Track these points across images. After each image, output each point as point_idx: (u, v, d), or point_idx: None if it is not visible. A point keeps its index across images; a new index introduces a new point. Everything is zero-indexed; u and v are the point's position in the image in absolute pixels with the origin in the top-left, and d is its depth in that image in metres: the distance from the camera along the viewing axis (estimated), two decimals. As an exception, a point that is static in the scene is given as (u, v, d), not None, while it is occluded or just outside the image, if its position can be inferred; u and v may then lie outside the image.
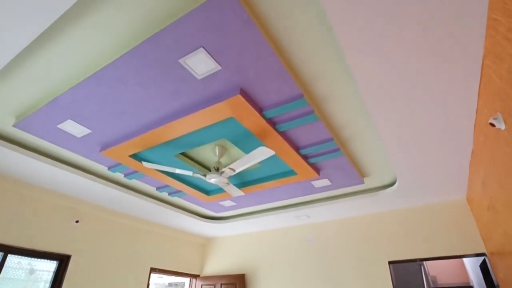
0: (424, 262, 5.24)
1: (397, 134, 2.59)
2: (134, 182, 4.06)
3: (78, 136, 2.88)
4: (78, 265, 4.18)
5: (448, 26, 1.62)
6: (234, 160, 3.46)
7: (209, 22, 1.73)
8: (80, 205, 4.38)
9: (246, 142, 2.94)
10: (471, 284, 5.68)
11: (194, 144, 2.98)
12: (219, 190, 4.16)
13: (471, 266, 5.38)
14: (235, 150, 3.28)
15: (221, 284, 5.66)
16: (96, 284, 4.33)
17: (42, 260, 3.90)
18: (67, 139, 2.94)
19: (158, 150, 3.12)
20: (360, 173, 3.64)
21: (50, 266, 3.97)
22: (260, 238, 5.87)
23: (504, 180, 2.21)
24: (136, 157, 3.24)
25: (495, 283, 3.35)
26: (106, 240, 4.68)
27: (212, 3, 1.61)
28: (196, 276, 6.20)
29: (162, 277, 5.47)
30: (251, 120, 2.50)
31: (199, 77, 2.13)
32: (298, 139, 2.92)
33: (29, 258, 3.79)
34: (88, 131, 2.80)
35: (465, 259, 5.84)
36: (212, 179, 3.03)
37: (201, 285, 5.91)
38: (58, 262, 4.03)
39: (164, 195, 4.50)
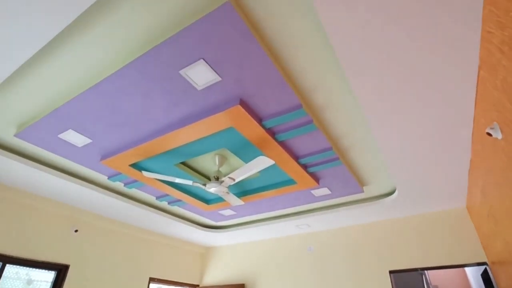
0: (425, 271, 5.19)
1: (396, 144, 2.60)
2: (133, 191, 4.06)
3: (79, 145, 2.90)
4: (77, 275, 4.15)
5: (444, 38, 1.65)
6: (234, 170, 3.47)
7: (209, 35, 1.76)
8: (79, 214, 4.37)
9: (246, 152, 2.96)
10: (473, 294, 5.61)
11: (194, 153, 2.99)
12: (219, 199, 4.16)
13: (473, 275, 5.33)
14: (235, 160, 3.30)
15: (220, 294, 5.60)
16: (95, 295, 4.29)
17: (40, 270, 3.87)
18: (67, 149, 2.96)
19: (158, 160, 3.14)
20: (359, 182, 3.65)
21: (48, 276, 3.94)
22: (260, 247, 5.84)
23: (502, 189, 2.22)
24: (136, 166, 3.25)
25: (497, 293, 3.32)
26: (105, 250, 4.65)
27: (212, 17, 1.65)
28: (195, 286, 6.14)
29: (161, 287, 5.43)
30: (251, 130, 2.52)
31: (199, 88, 2.16)
32: (297, 148, 2.94)
33: (27, 268, 3.76)
34: (89, 140, 2.82)
35: (466, 268, 5.80)
36: (212, 188, 3.03)
37: (201, 296, 5.85)
38: (56, 272, 3.99)
39: (164, 204, 4.49)
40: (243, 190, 3.91)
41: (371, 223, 4.78)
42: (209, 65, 1.96)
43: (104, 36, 1.87)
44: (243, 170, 2.80)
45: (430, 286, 5.80)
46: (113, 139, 2.80)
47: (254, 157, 3.03)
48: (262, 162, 2.66)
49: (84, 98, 2.28)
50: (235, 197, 3.54)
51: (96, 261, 4.47)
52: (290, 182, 3.59)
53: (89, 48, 1.96)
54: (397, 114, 2.25)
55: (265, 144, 2.74)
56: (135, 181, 3.61)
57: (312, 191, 3.83)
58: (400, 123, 2.35)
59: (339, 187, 3.71)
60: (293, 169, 3.18)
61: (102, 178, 3.67)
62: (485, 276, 3.78)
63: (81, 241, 4.36)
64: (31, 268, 3.79)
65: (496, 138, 1.96)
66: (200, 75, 2.04)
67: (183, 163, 3.38)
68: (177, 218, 4.87)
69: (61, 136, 2.74)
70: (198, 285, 6.19)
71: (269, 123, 2.52)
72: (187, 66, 1.98)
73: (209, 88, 2.17)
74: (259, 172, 3.45)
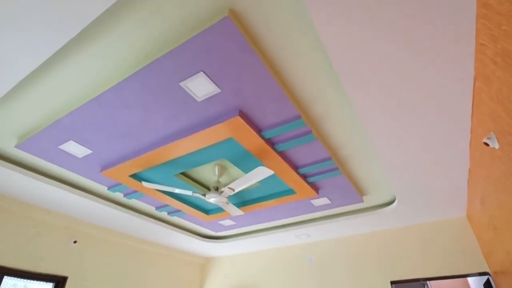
0: (427, 282, 5.14)
1: (395, 153, 2.62)
2: (133, 202, 4.05)
3: (79, 156, 2.91)
4: (75, 287, 4.10)
5: (440, 51, 1.69)
6: (234, 180, 3.48)
7: (209, 48, 1.80)
8: (78, 225, 4.35)
9: (246, 162, 2.97)
10: (477, 305, 5.54)
11: (194, 164, 3.00)
12: (219, 209, 4.15)
13: (476, 285, 5.27)
14: (234, 170, 3.30)
15: (220, 306, 5.52)
16: (93, 307, 4.24)
17: (38, 282, 3.83)
18: (68, 160, 2.97)
19: (158, 170, 3.14)
20: (359, 192, 3.65)
21: (47, 288, 3.90)
22: (260, 257, 5.79)
23: (502, 198, 2.23)
24: (136, 177, 3.25)
25: (500, 304, 3.28)
26: (103, 261, 4.61)
27: (211, 31, 1.69)
28: (195, 298, 6.06)
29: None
30: (250, 140, 2.54)
31: (199, 99, 2.19)
32: (296, 158, 2.95)
33: (25, 280, 3.72)
34: (89, 151, 2.83)
35: (469, 278, 5.73)
36: (212, 199, 3.03)
37: (200, 308, 5.76)
38: (54, 284, 3.95)
39: (164, 214, 4.48)
40: (242, 200, 3.91)
41: (372, 232, 4.76)
42: (209, 77, 2.00)
43: (107, 49, 1.91)
44: (242, 180, 2.81)
45: (433, 297, 5.72)
46: (114, 150, 2.82)
47: (254, 167, 3.04)
48: (261, 172, 2.67)
49: (85, 109, 2.31)
50: (234, 207, 3.54)
51: (95, 272, 4.43)
52: (289, 192, 3.60)
53: (92, 60, 1.99)
54: (396, 125, 2.27)
55: (265, 154, 2.76)
56: (135, 191, 3.61)
57: (312, 201, 3.82)
58: (399, 133, 2.37)
59: (338, 196, 3.70)
60: (292, 179, 3.19)
61: (102, 189, 3.67)
62: (488, 286, 3.74)
63: (79, 252, 4.33)
64: (29, 280, 3.75)
65: (494, 148, 1.98)
66: (200, 87, 2.07)
67: (183, 174, 3.38)
68: (176, 229, 4.85)
69: (61, 147, 2.75)
70: (197, 297, 6.11)
71: (268, 134, 2.54)
72: (187, 78, 2.01)
73: (209, 100, 2.20)
74: (259, 182, 3.45)
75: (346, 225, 4.48)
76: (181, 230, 4.93)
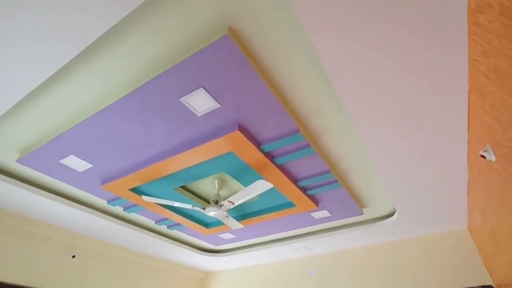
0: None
1: (394, 167, 2.63)
2: (132, 216, 4.04)
3: (80, 170, 2.92)
4: (73, 304, 4.05)
5: (436, 67, 1.73)
6: (233, 193, 3.48)
7: (209, 65, 1.84)
8: (77, 240, 4.32)
9: (245, 176, 2.98)
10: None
11: (193, 177, 3.02)
12: (218, 222, 4.13)
13: (479, 299, 5.19)
14: (234, 183, 3.31)
15: (220, 322, 5.42)
16: (91, 324, 4.16)
17: (36, 298, 3.78)
18: (68, 174, 2.98)
19: (157, 184, 3.15)
20: (359, 204, 3.65)
21: (44, 305, 3.84)
22: (260, 271, 5.71)
23: (501, 210, 2.23)
24: (136, 190, 3.26)
25: (504, 318, 3.23)
26: (102, 276, 4.55)
27: (211, 48, 1.73)
28: (194, 314, 5.95)
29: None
30: (250, 154, 2.56)
31: (199, 114, 2.22)
32: (296, 171, 2.97)
33: (23, 297, 3.67)
34: (90, 165, 2.85)
35: (472, 292, 5.65)
36: (211, 212, 3.03)
37: (200, 324, 5.65)
38: (52, 300, 3.89)
39: (163, 228, 4.45)
40: (242, 213, 3.90)
41: (372, 245, 4.72)
42: (209, 93, 2.03)
43: (110, 66, 1.95)
44: (242, 193, 2.82)
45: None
46: (114, 164, 2.83)
47: (253, 180, 3.05)
48: (261, 186, 2.68)
49: (86, 124, 2.34)
50: (234, 221, 3.52)
51: (94, 287, 4.38)
52: (289, 205, 3.59)
53: (94, 77, 2.03)
54: (394, 139, 2.30)
55: (264, 168, 2.77)
56: (135, 205, 3.60)
57: (312, 214, 3.81)
58: (398, 147, 2.39)
59: (338, 209, 3.70)
60: (292, 192, 3.19)
61: (101, 203, 3.66)
62: (491, 300, 3.69)
63: (78, 266, 4.28)
64: (26, 297, 3.70)
65: (490, 160, 2.00)
66: (200, 102, 2.10)
67: (183, 187, 3.39)
68: (176, 242, 4.81)
69: (62, 161, 2.77)
70: (197, 313, 6.00)
71: (267, 148, 2.57)
72: (187, 94, 2.05)
73: (209, 115, 2.23)
74: (258, 195, 3.46)
75: (347, 238, 4.45)
76: (181, 244, 4.89)
